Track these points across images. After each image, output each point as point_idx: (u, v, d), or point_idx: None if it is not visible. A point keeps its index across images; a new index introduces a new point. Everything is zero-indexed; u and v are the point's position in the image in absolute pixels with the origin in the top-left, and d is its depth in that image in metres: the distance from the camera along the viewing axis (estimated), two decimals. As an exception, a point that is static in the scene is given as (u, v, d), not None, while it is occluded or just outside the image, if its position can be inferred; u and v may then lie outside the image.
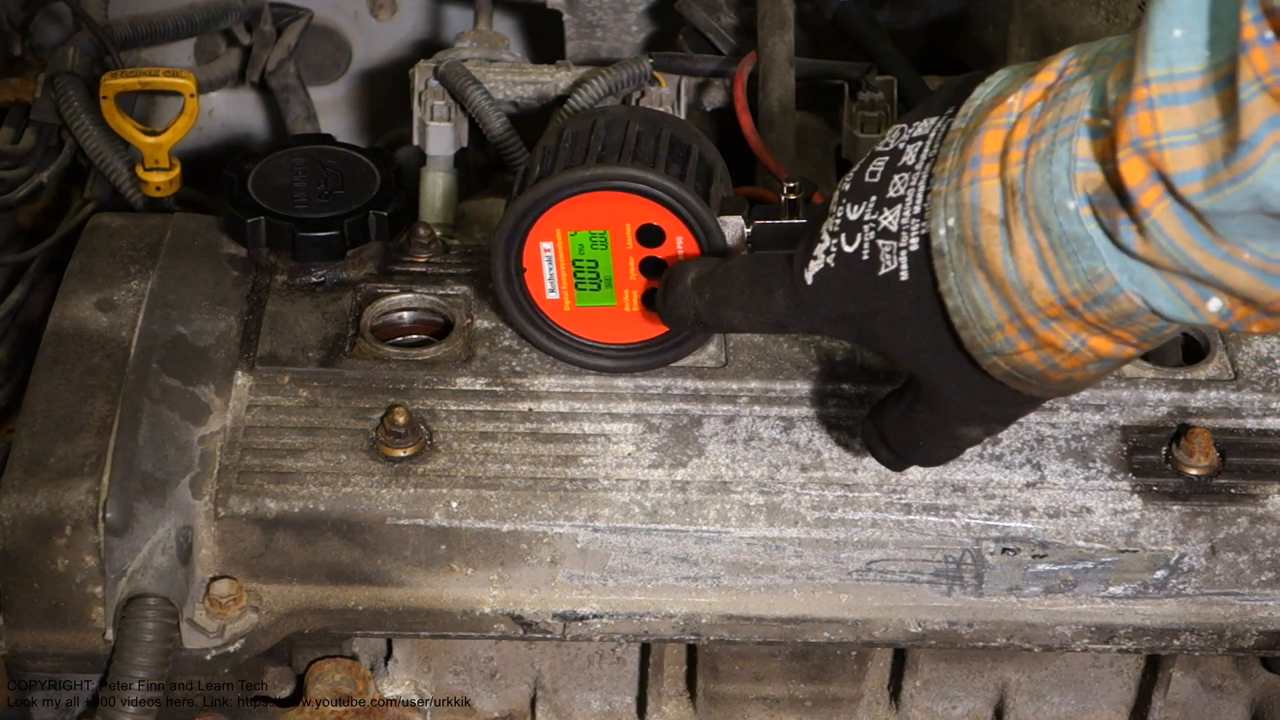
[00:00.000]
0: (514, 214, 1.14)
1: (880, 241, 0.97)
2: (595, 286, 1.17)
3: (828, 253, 0.99)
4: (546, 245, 1.15)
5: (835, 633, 1.17)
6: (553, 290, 1.17)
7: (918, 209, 0.95)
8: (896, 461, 1.09)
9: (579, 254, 1.15)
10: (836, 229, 0.99)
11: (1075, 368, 0.95)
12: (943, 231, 0.93)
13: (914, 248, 0.95)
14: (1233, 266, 0.85)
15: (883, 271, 0.97)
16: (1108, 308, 0.90)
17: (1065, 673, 1.27)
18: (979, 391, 0.99)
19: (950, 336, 0.96)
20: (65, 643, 1.12)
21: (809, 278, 1.00)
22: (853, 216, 0.98)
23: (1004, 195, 0.90)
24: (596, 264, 1.15)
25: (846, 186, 1.00)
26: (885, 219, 0.97)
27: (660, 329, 1.18)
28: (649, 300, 1.17)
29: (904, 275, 0.96)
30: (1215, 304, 0.88)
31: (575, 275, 1.16)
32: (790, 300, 1.02)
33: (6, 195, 1.53)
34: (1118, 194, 0.85)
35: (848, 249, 0.98)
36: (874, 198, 0.97)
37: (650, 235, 1.14)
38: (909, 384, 1.04)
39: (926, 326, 0.97)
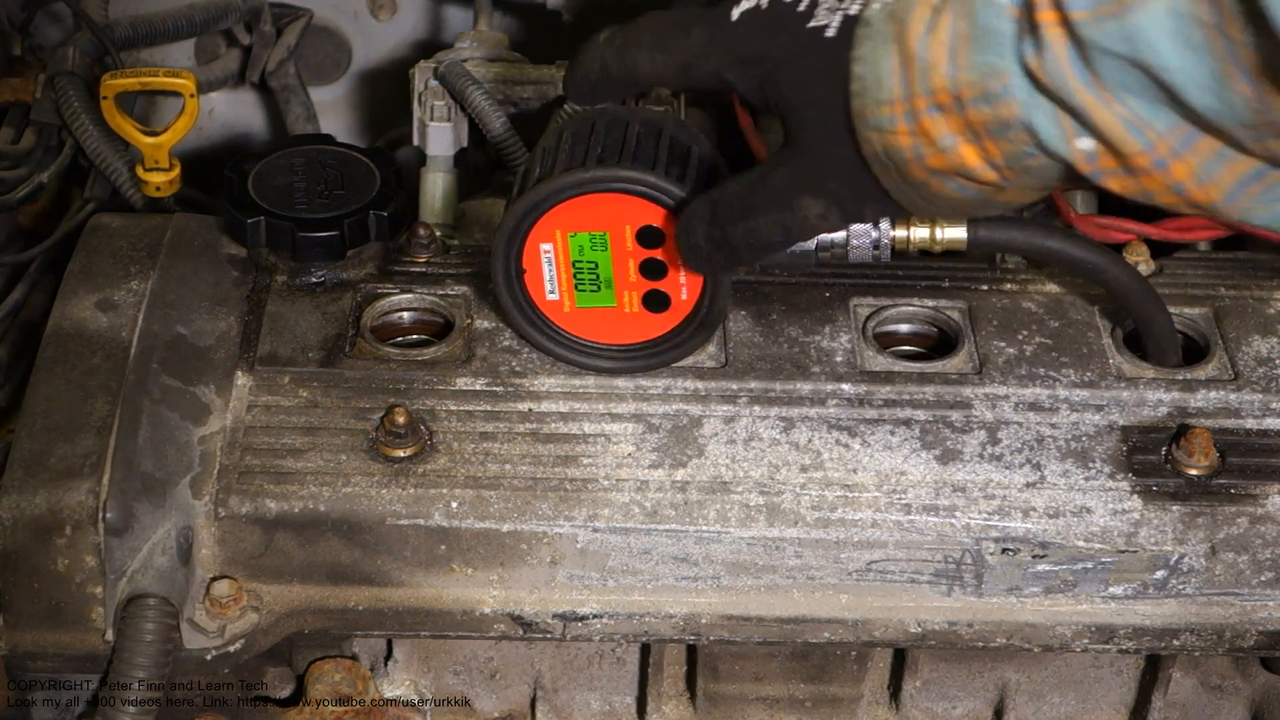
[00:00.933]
0: (514, 215, 1.14)
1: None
2: (595, 288, 1.17)
3: None
4: (546, 247, 1.15)
5: (835, 633, 1.17)
6: (553, 291, 1.17)
7: None
8: (706, 251, 1.09)
9: (579, 255, 1.15)
10: None
11: (937, 170, 0.98)
12: (878, 5, 0.97)
13: (852, 12, 0.99)
14: (1105, 110, 0.89)
15: (812, 24, 1.00)
16: (991, 107, 0.93)
17: (1065, 673, 1.27)
18: (842, 164, 1.01)
19: (843, 101, 0.99)
20: (65, 643, 1.12)
21: (735, 13, 1.03)
22: None
23: None
24: (596, 265, 1.15)
25: None
26: None
27: (661, 330, 1.18)
28: (649, 301, 1.17)
29: (830, 32, 0.99)
30: (1086, 143, 0.92)
31: (575, 277, 1.16)
32: (706, 37, 1.04)
33: (6, 195, 1.53)
34: (1029, 10, 0.90)
35: None
36: None
37: (650, 237, 1.14)
38: (769, 159, 1.06)
39: (827, 87, 0.99)
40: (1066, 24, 0.88)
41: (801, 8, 1.01)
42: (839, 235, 1.16)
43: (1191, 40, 0.85)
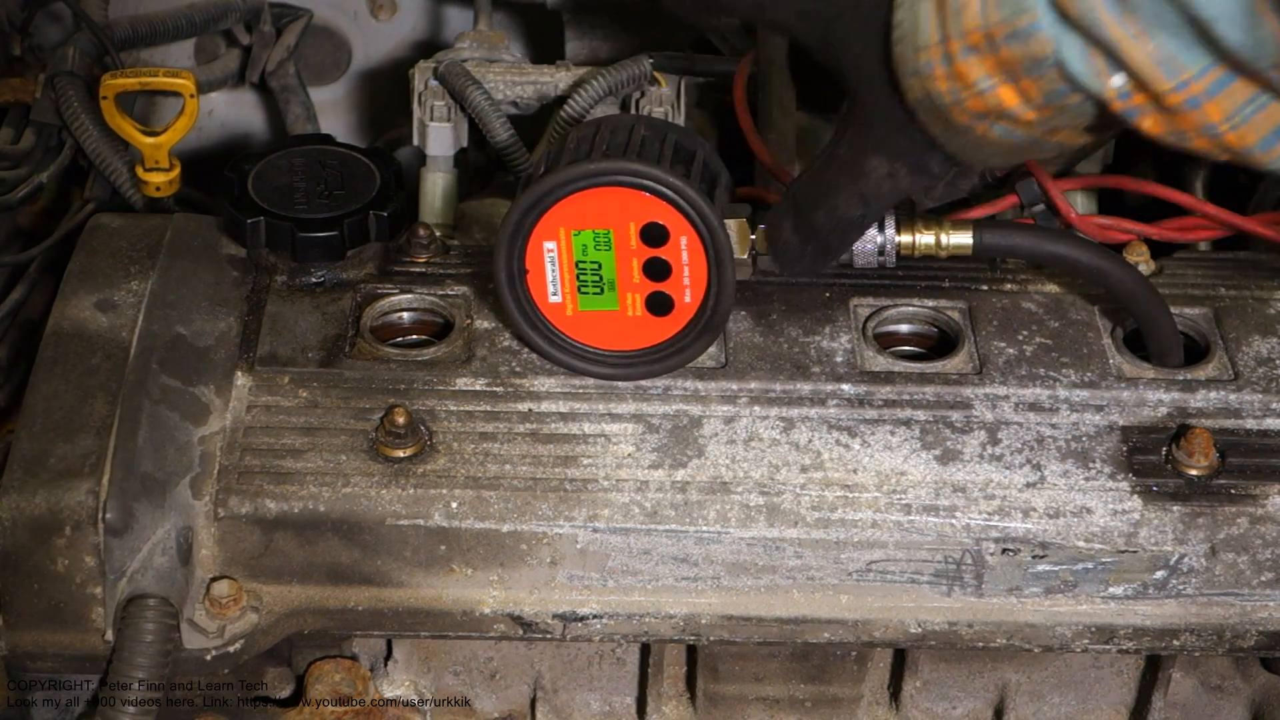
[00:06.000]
0: (518, 210, 1.14)
1: None
2: (598, 290, 1.16)
3: None
4: (550, 245, 1.15)
5: (835, 633, 1.17)
6: (555, 294, 1.17)
7: None
8: (798, 248, 1.10)
9: (582, 255, 1.15)
10: None
11: (978, 113, 0.98)
12: None
13: None
14: (1136, 45, 0.89)
15: None
16: (1022, 45, 0.93)
17: (1065, 673, 1.27)
18: (894, 116, 1.02)
19: (888, 50, 1.00)
20: (65, 643, 1.12)
21: None
22: None
23: None
24: (600, 265, 1.15)
25: None
26: None
27: (663, 335, 1.18)
28: (652, 304, 1.17)
29: None
30: (1118, 79, 0.92)
31: (578, 278, 1.16)
32: None
33: (6, 195, 1.53)
34: None
35: None
36: None
37: (654, 235, 1.14)
38: (834, 134, 1.07)
39: (875, 37, 1.01)
40: None
41: None
42: None
43: None
